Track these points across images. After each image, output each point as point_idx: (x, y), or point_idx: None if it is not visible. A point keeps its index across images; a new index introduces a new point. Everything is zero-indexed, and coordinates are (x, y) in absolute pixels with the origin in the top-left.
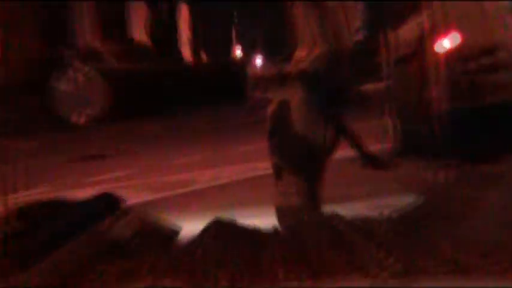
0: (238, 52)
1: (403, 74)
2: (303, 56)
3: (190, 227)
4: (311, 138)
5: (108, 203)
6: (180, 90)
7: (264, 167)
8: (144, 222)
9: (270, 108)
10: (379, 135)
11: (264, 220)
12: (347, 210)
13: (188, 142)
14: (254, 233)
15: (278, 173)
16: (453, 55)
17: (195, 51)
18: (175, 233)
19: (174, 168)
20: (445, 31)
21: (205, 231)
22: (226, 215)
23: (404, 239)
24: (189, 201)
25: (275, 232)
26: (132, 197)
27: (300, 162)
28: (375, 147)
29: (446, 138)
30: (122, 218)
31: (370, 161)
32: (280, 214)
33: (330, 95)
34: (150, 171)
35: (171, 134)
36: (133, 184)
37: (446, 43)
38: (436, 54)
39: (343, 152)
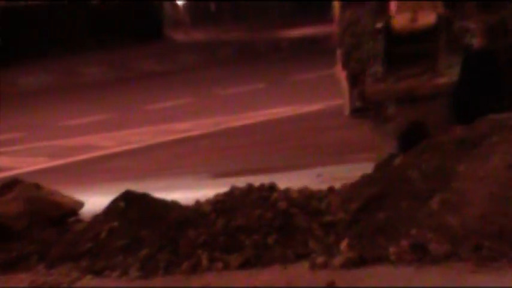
0: None
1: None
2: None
3: (94, 201)
4: None
5: None
6: (80, 30)
7: (185, 128)
8: (35, 197)
9: (398, 129)
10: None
11: (184, 193)
12: (289, 182)
13: (86, 97)
14: (172, 210)
15: None
16: None
17: None
18: (75, 209)
19: (69, 130)
20: None
21: (112, 207)
22: (140, 186)
23: (360, 220)
24: (93, 169)
25: (199, 209)
26: (22, 164)
27: None
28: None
29: None
30: (6, 190)
31: None
32: None
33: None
34: (42, 134)
35: (63, 84)
36: (23, 149)
37: None
38: None
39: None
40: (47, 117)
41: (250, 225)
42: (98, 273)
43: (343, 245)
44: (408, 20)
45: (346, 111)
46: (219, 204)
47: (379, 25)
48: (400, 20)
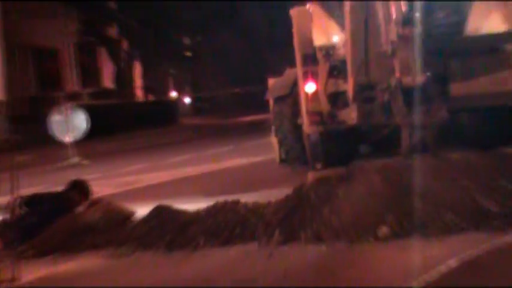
0: (173, 93)
1: (282, 107)
2: None
3: (140, 211)
4: None
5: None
6: (132, 118)
7: (190, 171)
8: (108, 208)
9: None
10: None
11: (190, 205)
12: (246, 199)
13: (134, 155)
14: (183, 215)
15: None
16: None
17: (144, 93)
18: (130, 215)
19: (126, 173)
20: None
21: (150, 213)
22: (165, 202)
23: (285, 220)
24: (139, 193)
25: (198, 214)
26: (101, 191)
27: None
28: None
29: (313, 152)
30: (93, 205)
31: None
32: None
33: None
34: (111, 175)
35: (123, 149)
36: (102, 183)
37: (308, 88)
38: (306, 93)
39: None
40: (113, 166)
41: (226, 222)
42: (143, 249)
43: (276, 233)
44: None
45: (277, 161)
46: (208, 211)
47: None
48: None
